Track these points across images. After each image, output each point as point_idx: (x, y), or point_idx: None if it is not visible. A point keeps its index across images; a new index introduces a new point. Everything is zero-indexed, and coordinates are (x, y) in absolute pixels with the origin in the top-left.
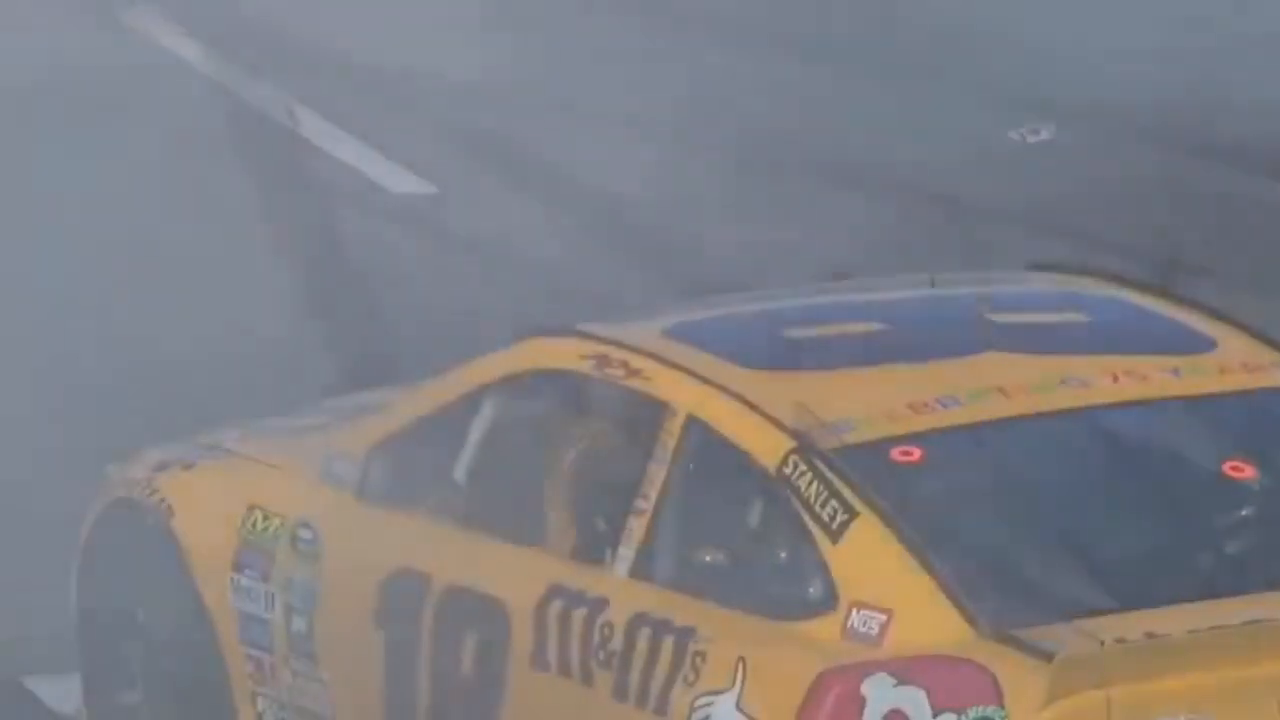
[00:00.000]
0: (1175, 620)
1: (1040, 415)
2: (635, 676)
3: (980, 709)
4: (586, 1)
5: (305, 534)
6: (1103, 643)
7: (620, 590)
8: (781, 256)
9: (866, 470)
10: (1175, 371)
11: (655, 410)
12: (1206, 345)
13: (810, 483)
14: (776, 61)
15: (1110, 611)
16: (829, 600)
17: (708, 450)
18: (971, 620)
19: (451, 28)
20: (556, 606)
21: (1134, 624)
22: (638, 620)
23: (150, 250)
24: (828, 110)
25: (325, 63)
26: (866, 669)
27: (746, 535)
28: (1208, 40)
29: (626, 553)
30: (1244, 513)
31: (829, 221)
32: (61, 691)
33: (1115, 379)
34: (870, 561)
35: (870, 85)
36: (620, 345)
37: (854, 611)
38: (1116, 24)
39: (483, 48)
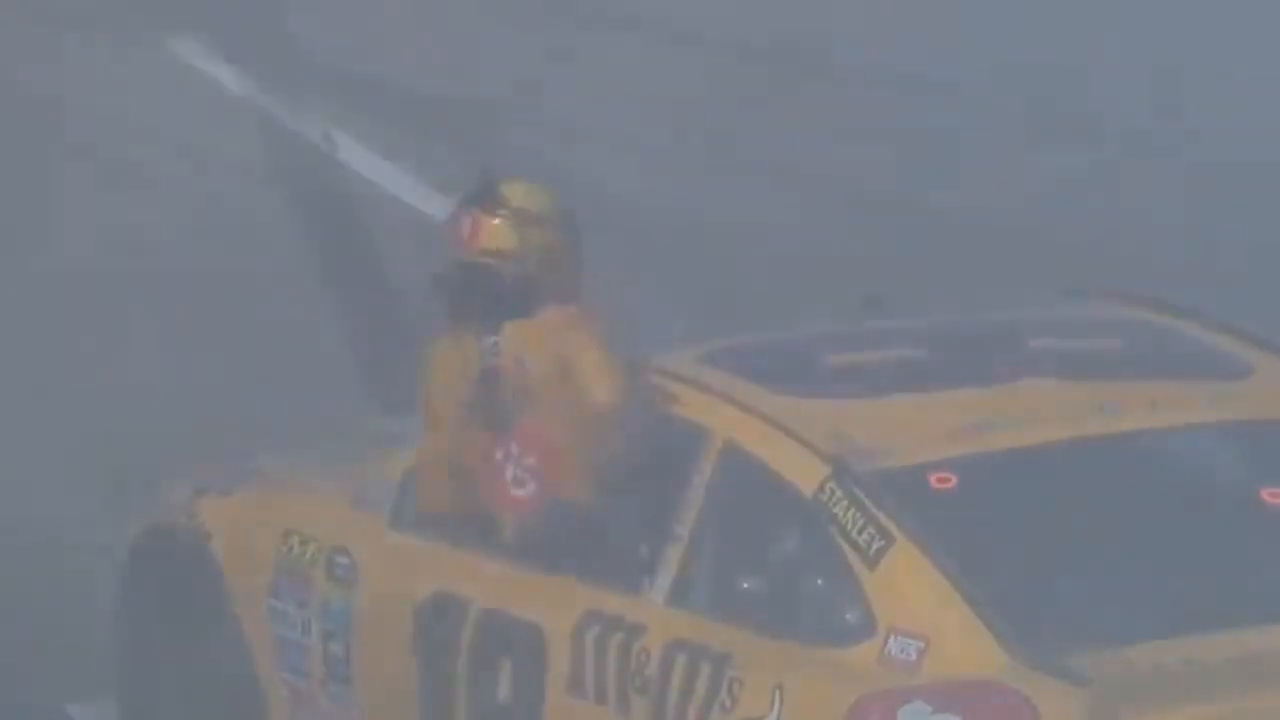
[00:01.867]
0: (1212, 648)
1: (1077, 441)
2: (672, 703)
3: None
4: (618, 27)
5: (341, 559)
6: (1140, 670)
7: (657, 616)
8: None
9: (903, 496)
10: (1212, 397)
11: (692, 435)
12: (1244, 371)
13: (847, 509)
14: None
15: (1148, 639)
16: (866, 627)
17: (744, 476)
18: (1009, 647)
19: (483, 50)
20: (593, 632)
21: (1171, 651)
22: (674, 647)
23: (195, 273)
24: None
25: (361, 88)
26: (903, 696)
27: (783, 561)
28: None
29: (663, 579)
30: (1278, 542)
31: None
32: (100, 717)
33: (1153, 405)
34: (907, 588)
35: None
36: (658, 371)
37: (891, 638)
38: None
39: (513, 68)
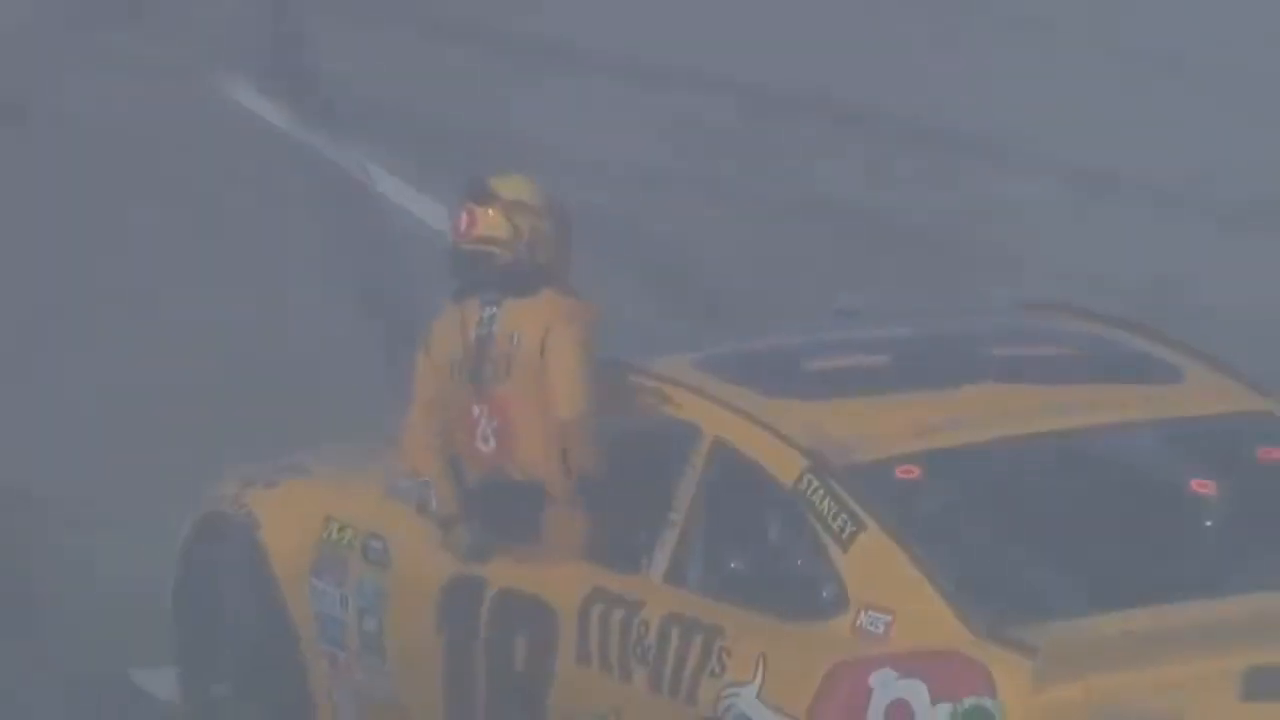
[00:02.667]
0: (1147, 620)
1: (1027, 438)
2: (668, 670)
3: (974, 699)
4: (615, 61)
5: (375, 544)
6: (1082, 640)
7: (655, 593)
8: None
9: (873, 486)
10: (1147, 399)
11: (685, 433)
12: (1176, 375)
13: (822, 498)
14: None
15: (1089, 613)
16: (840, 603)
17: (731, 469)
18: (966, 620)
19: (505, 85)
20: (598, 608)
21: (1111, 623)
22: (670, 620)
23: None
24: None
25: (396, 125)
26: (873, 664)
27: (766, 545)
28: None
29: (660, 560)
30: (1208, 524)
31: None
32: (162, 682)
33: (1093, 406)
34: (876, 568)
35: None
36: (655, 375)
37: (862, 613)
38: None
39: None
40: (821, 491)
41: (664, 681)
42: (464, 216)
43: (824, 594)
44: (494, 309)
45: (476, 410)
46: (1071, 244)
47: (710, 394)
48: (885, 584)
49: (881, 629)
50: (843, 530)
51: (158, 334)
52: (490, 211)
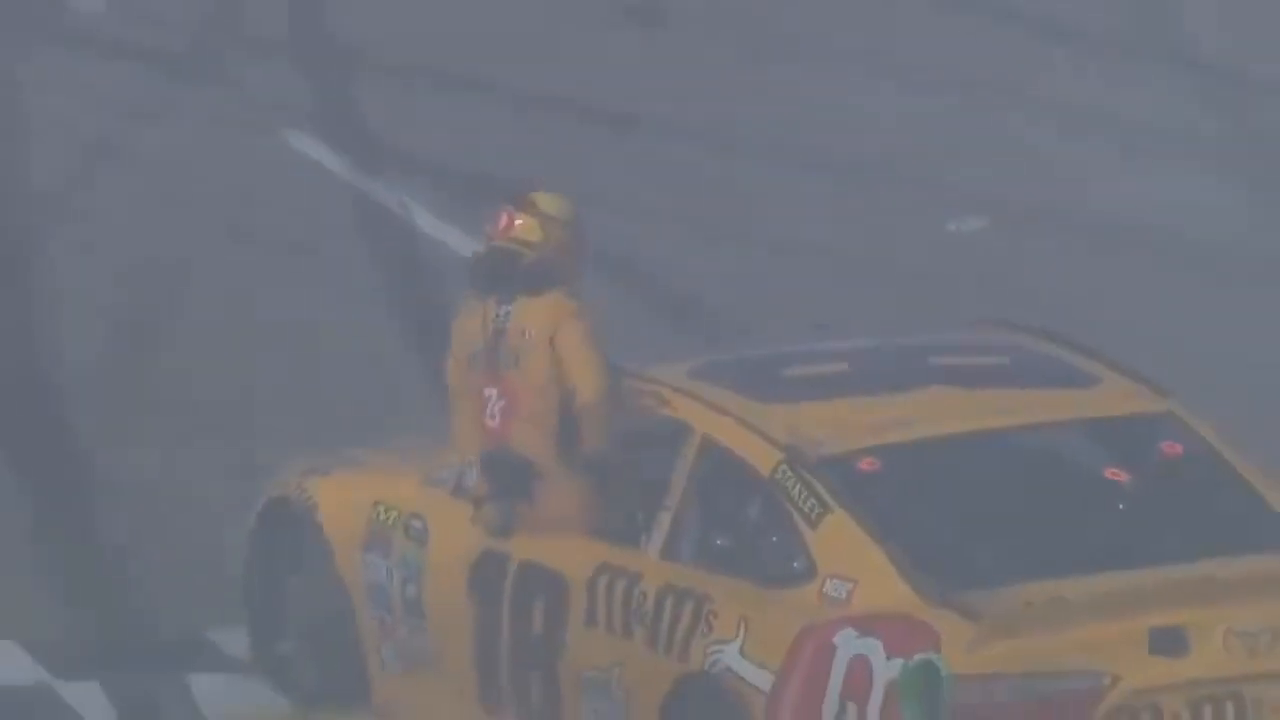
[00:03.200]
0: (1071, 588)
1: (970, 434)
2: (664, 630)
3: (923, 655)
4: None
5: (416, 523)
6: (1016, 605)
7: (652, 566)
8: None
9: (838, 475)
10: (1069, 402)
11: (679, 430)
12: (1093, 381)
13: (795, 485)
14: None
15: (1023, 581)
16: (809, 573)
17: (718, 461)
18: (917, 588)
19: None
20: (604, 579)
21: (1041, 590)
22: (665, 589)
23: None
24: None
25: (429, 168)
26: (837, 625)
27: (746, 524)
28: None
29: (657, 538)
30: (1120, 507)
31: None
32: (234, 640)
33: (1025, 407)
34: (840, 544)
35: None
36: (654, 381)
37: (828, 581)
38: None
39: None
40: (794, 480)
41: (660, 640)
42: (503, 218)
43: (795, 566)
44: (508, 307)
45: (488, 392)
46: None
47: (700, 397)
48: (848, 557)
49: (844, 595)
50: (812, 512)
51: (236, 334)
52: (526, 217)
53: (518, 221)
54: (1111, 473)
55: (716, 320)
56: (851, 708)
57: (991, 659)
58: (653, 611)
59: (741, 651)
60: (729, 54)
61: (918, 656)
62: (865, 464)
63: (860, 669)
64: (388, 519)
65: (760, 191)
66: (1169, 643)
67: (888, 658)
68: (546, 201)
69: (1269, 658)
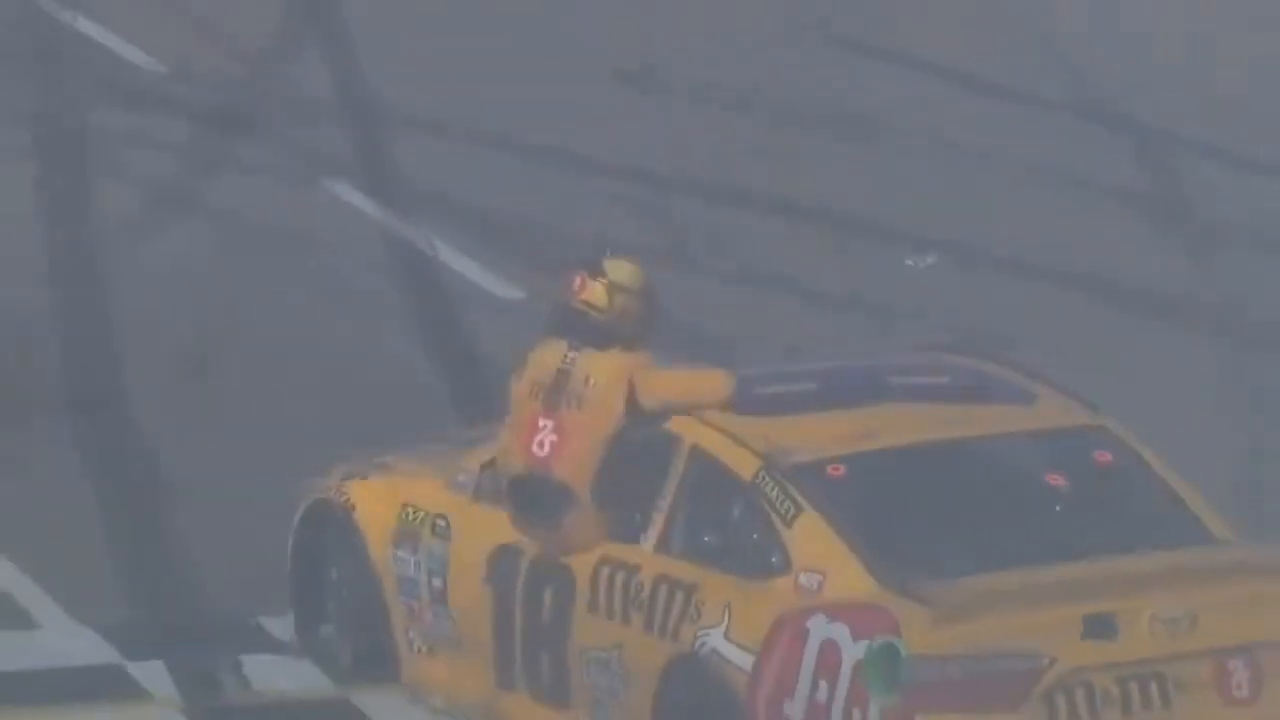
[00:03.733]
0: (1015, 579)
1: (924, 444)
2: (658, 616)
3: (884, 638)
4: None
5: (440, 523)
6: (965, 594)
7: (648, 560)
8: None
9: (809, 480)
10: (1011, 416)
11: (671, 441)
12: (1034, 398)
13: (772, 488)
14: None
15: (973, 573)
16: (785, 566)
17: (705, 467)
18: (879, 579)
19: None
20: (605, 570)
21: (989, 581)
22: (659, 580)
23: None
24: None
25: (453, 212)
26: (809, 612)
27: (730, 524)
28: None
29: (652, 535)
30: (1058, 509)
31: None
32: (281, 625)
33: (974, 421)
34: (812, 541)
35: None
36: None
37: (801, 574)
38: None
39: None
40: (772, 484)
41: (655, 624)
42: (577, 281)
43: (773, 560)
44: (576, 354)
45: (542, 423)
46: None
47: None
48: (818, 553)
49: (816, 586)
50: (787, 513)
51: (283, 358)
52: (595, 283)
53: (588, 286)
54: (1050, 478)
55: (704, 346)
56: (823, 685)
57: (945, 641)
58: (648, 600)
59: (726, 635)
60: (712, 112)
61: (880, 639)
62: (833, 470)
63: (830, 651)
64: (415, 519)
65: (744, 235)
66: (1100, 628)
67: (854, 640)
68: (616, 269)
69: (1188, 640)
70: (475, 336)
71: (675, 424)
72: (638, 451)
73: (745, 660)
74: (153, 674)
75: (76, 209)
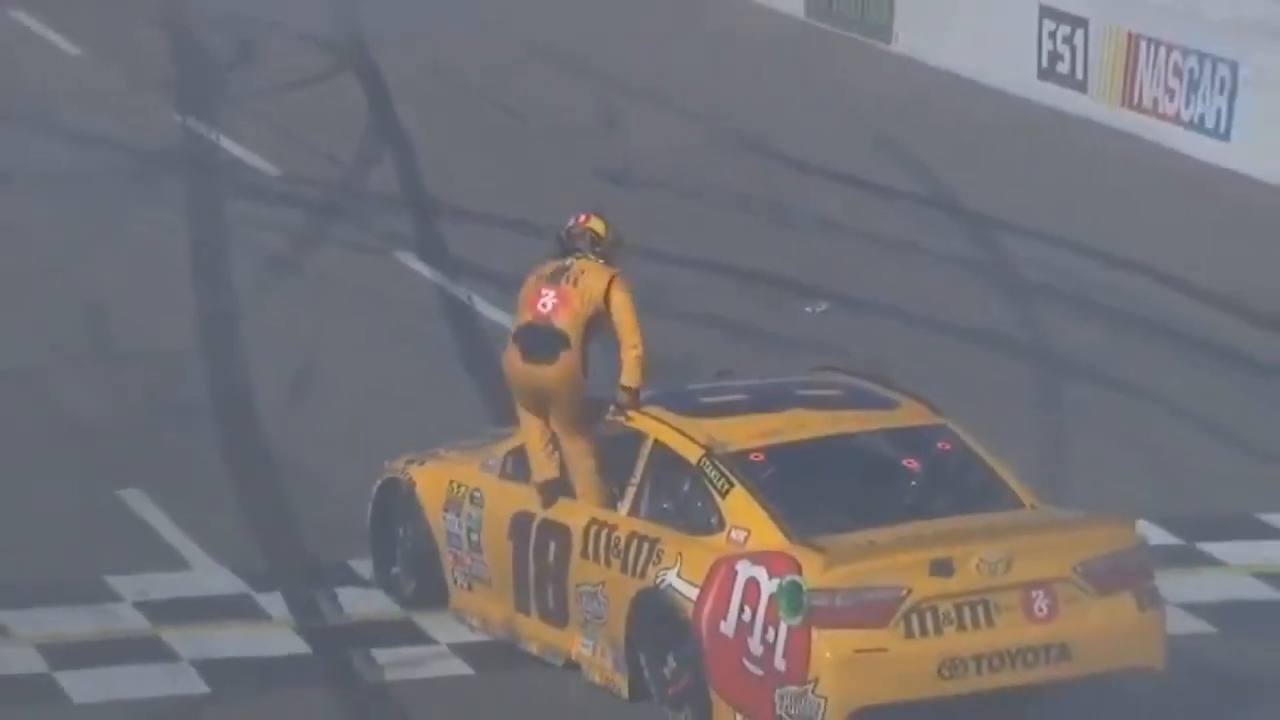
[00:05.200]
0: (882, 534)
1: (820, 438)
2: (631, 561)
3: (791, 576)
4: None
5: (477, 494)
6: (850, 544)
7: (623, 521)
8: None
9: (737, 464)
10: (881, 417)
11: (638, 437)
12: (895, 405)
13: (711, 469)
14: None
15: (853, 529)
16: (720, 526)
17: (663, 455)
18: (787, 534)
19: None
20: (594, 528)
21: (864, 535)
22: (632, 535)
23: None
24: None
25: (488, 275)
26: (737, 559)
27: (682, 495)
28: None
29: (626, 503)
30: (913, 484)
31: None
32: (364, 567)
33: (855, 420)
34: (740, 508)
35: None
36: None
37: (732, 531)
38: None
39: None
40: (711, 466)
41: (628, 567)
42: (582, 217)
43: (712, 521)
44: (574, 259)
45: (544, 292)
46: None
47: (651, 415)
48: (744, 516)
49: (742, 540)
50: (722, 488)
51: (365, 382)
52: (599, 219)
53: (593, 220)
54: (907, 462)
55: (660, 368)
56: (747, 610)
57: (833, 578)
58: (624, 549)
59: (679, 575)
60: (667, 198)
61: (788, 577)
62: (755, 457)
63: (752, 586)
64: (459, 492)
65: (681, 288)
66: (942, 568)
67: (769, 578)
68: (600, 220)
69: (1004, 577)
70: (499, 362)
71: (641, 423)
72: (616, 444)
73: (692, 592)
74: (272, 602)
75: (217, 275)
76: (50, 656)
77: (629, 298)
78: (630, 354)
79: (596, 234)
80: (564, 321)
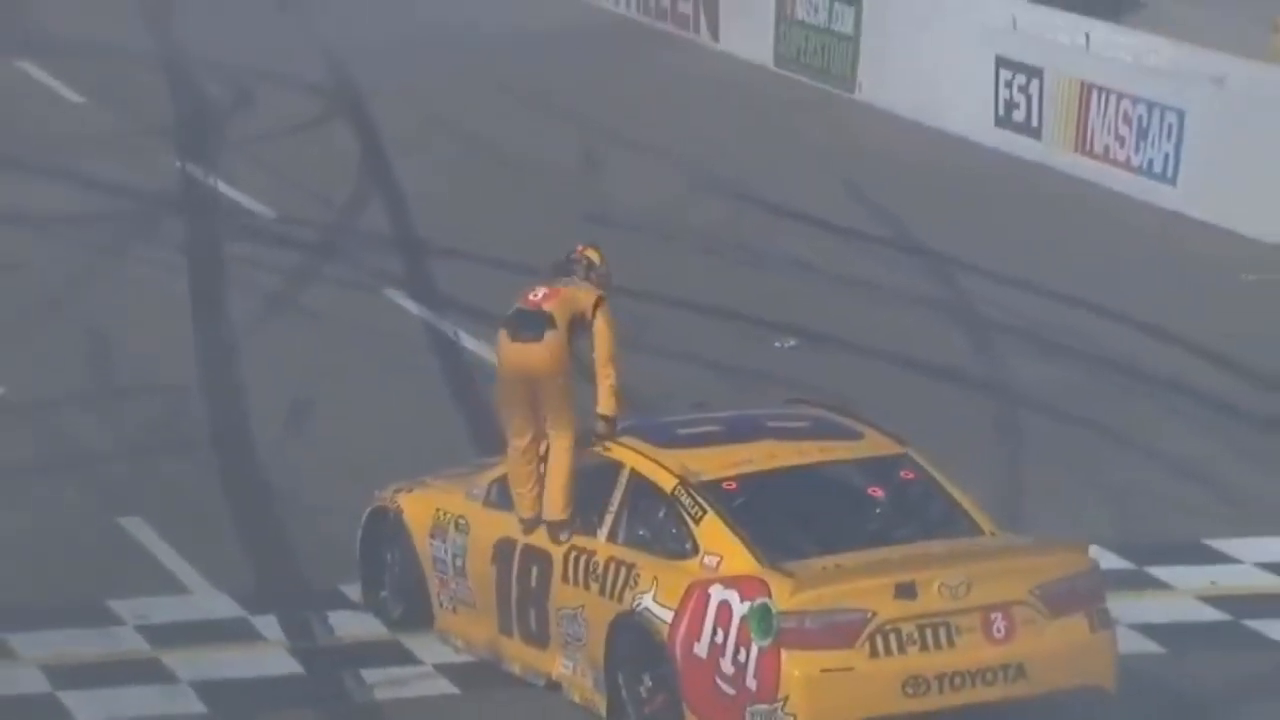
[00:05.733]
0: (849, 559)
1: (790, 468)
2: (609, 585)
3: (762, 600)
4: None
5: (462, 521)
6: (817, 569)
7: (602, 547)
8: None
9: (710, 493)
10: (848, 448)
11: (616, 466)
12: (860, 436)
13: (686, 497)
14: None
15: (821, 555)
16: (694, 551)
17: (639, 483)
18: (758, 559)
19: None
20: (574, 554)
21: (831, 560)
22: (610, 560)
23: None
24: None
25: (472, 311)
26: (711, 583)
27: (657, 522)
28: None
29: (605, 529)
30: (878, 511)
31: None
32: (354, 590)
33: (822, 451)
34: (712, 534)
35: None
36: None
37: (705, 557)
38: None
39: None
40: (685, 495)
41: (607, 590)
42: (580, 247)
43: (686, 547)
44: (569, 278)
45: (537, 289)
46: None
47: (629, 445)
48: (717, 542)
49: (715, 565)
50: (696, 514)
51: (356, 413)
52: (595, 251)
53: (590, 250)
54: (871, 490)
55: (638, 402)
56: (720, 631)
57: (802, 601)
58: (602, 574)
59: (654, 598)
60: (649, 241)
61: (759, 600)
62: (727, 485)
63: (725, 609)
64: (445, 518)
65: (669, 330)
66: (906, 591)
67: (741, 601)
68: (596, 251)
69: (964, 600)
70: (483, 395)
71: (619, 453)
72: (594, 474)
73: (667, 615)
74: (267, 624)
75: (215, 311)
76: (54, 677)
77: (612, 322)
78: (605, 384)
79: (592, 261)
80: (552, 307)
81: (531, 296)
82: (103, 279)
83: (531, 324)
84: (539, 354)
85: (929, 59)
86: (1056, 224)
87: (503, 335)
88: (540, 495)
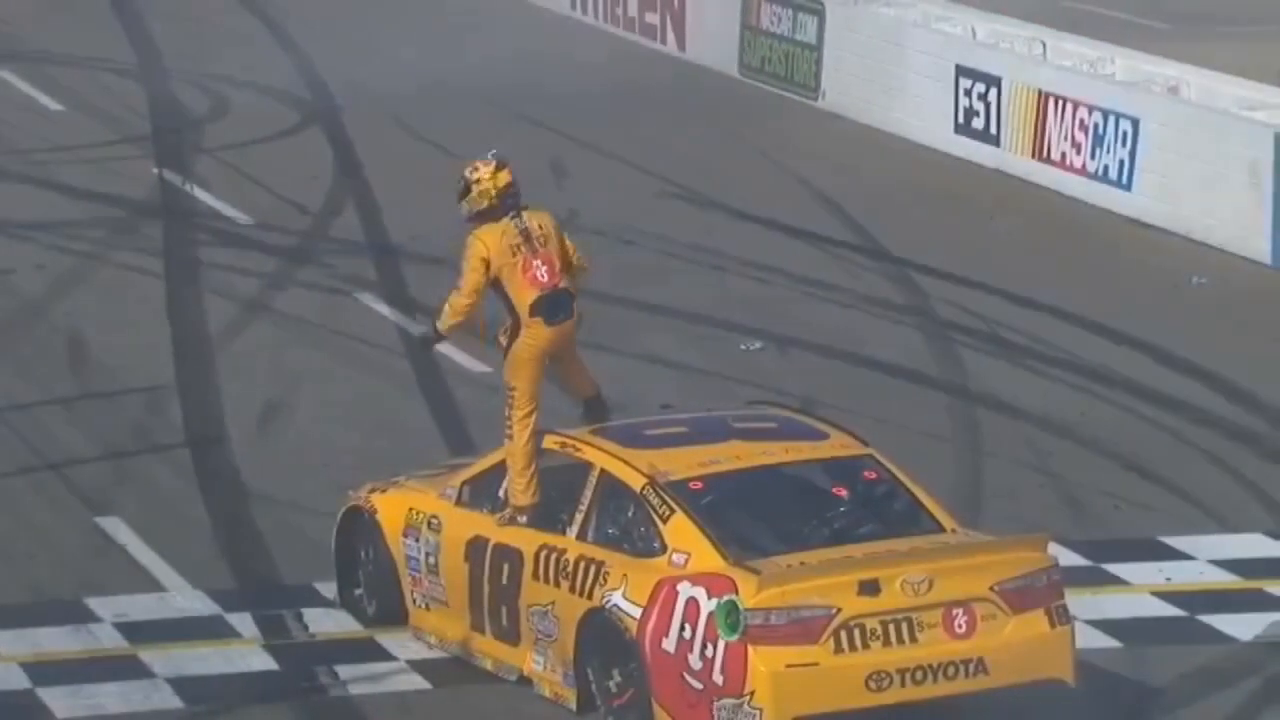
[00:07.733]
0: (814, 556)
1: (755, 468)
2: (579, 582)
3: (729, 596)
4: None
5: (434, 521)
6: (782, 566)
7: (572, 545)
8: None
9: (678, 492)
10: (811, 448)
11: (586, 467)
12: (825, 436)
13: (654, 496)
14: None
15: (786, 552)
16: (662, 549)
17: (609, 483)
18: (725, 557)
19: None
20: (544, 552)
21: (796, 558)
22: (580, 557)
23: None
24: None
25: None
26: (679, 579)
27: (626, 521)
28: None
29: (574, 528)
30: (842, 510)
31: None
32: (328, 588)
33: (788, 451)
34: (680, 532)
35: None
36: (572, 437)
37: (674, 554)
38: None
39: None
40: (654, 494)
41: (577, 588)
42: (494, 166)
43: (655, 545)
44: (519, 217)
45: (536, 262)
46: None
47: (598, 446)
48: (685, 540)
49: (683, 562)
50: (664, 513)
51: (331, 416)
52: (506, 171)
53: (503, 171)
54: (835, 490)
55: (612, 406)
56: (688, 628)
57: (768, 598)
58: (573, 571)
59: (624, 595)
60: (616, 249)
61: (726, 597)
62: (694, 485)
63: (693, 605)
64: (418, 518)
65: (635, 334)
66: (869, 588)
67: (709, 598)
68: (508, 170)
69: (926, 597)
70: (455, 397)
71: (589, 454)
72: (564, 473)
73: (636, 612)
74: (242, 622)
75: (192, 313)
76: (33, 674)
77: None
78: (581, 271)
79: (513, 184)
80: (566, 282)
81: (540, 278)
82: (81, 284)
83: (563, 306)
84: (570, 328)
85: (891, 67)
86: (1013, 227)
87: (536, 326)
88: (538, 481)
